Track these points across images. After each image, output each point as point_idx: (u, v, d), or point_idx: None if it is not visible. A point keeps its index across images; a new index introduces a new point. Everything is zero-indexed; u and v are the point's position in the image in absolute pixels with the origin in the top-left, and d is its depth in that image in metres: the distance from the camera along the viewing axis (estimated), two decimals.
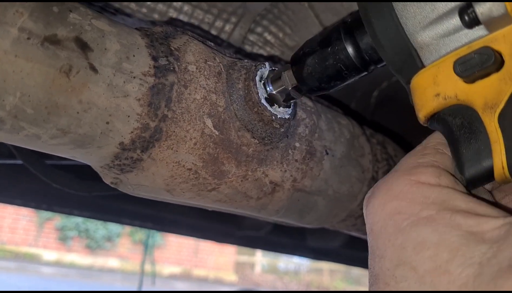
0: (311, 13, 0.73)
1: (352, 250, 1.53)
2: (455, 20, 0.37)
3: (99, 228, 11.17)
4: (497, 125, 0.36)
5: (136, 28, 0.50)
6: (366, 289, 0.41)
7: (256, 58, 0.75)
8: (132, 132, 0.46)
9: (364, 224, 0.42)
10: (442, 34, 0.38)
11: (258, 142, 0.54)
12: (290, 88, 0.51)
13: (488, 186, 0.43)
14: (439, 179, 0.40)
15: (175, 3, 0.70)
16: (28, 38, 0.39)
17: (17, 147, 0.93)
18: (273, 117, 0.52)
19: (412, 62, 0.40)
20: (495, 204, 0.41)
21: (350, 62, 0.46)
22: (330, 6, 0.72)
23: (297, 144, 0.60)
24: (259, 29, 0.74)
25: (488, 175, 0.37)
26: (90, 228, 11.16)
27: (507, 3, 0.34)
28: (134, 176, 0.50)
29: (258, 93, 0.51)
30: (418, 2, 0.39)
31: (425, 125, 0.42)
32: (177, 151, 0.49)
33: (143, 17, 0.70)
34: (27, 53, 0.39)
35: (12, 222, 10.67)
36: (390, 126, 0.89)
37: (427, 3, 0.39)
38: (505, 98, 0.35)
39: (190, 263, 11.93)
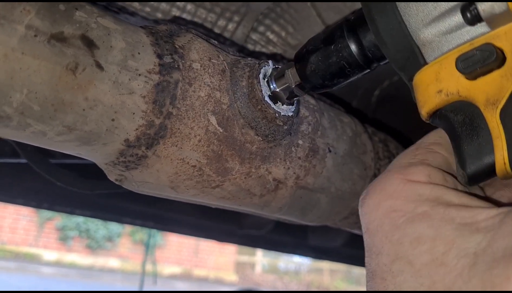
0: (314, 11, 0.73)
1: (353, 249, 1.53)
2: (457, 18, 0.38)
3: (99, 228, 11.17)
4: (498, 121, 0.37)
5: (141, 26, 0.50)
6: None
7: (259, 57, 0.76)
8: (137, 129, 0.47)
9: None
10: (445, 31, 0.39)
11: (261, 139, 0.54)
12: (293, 86, 0.52)
13: None
14: (430, 177, 0.41)
15: (178, 2, 0.70)
16: (35, 36, 0.39)
17: (22, 146, 0.93)
18: (277, 114, 0.53)
19: (414, 59, 0.41)
20: (487, 199, 0.41)
21: (353, 59, 0.46)
22: (333, 4, 0.72)
23: (300, 142, 0.60)
24: (261, 28, 0.75)
25: (490, 171, 0.38)
26: (91, 228, 11.16)
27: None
28: (139, 172, 0.51)
29: (261, 91, 0.52)
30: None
31: (427, 122, 0.43)
32: (181, 148, 0.49)
33: (146, 16, 0.70)
34: (34, 50, 0.39)
35: (13, 222, 10.68)
36: (392, 124, 0.89)
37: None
38: (507, 94, 0.36)
39: (191, 263, 11.94)
